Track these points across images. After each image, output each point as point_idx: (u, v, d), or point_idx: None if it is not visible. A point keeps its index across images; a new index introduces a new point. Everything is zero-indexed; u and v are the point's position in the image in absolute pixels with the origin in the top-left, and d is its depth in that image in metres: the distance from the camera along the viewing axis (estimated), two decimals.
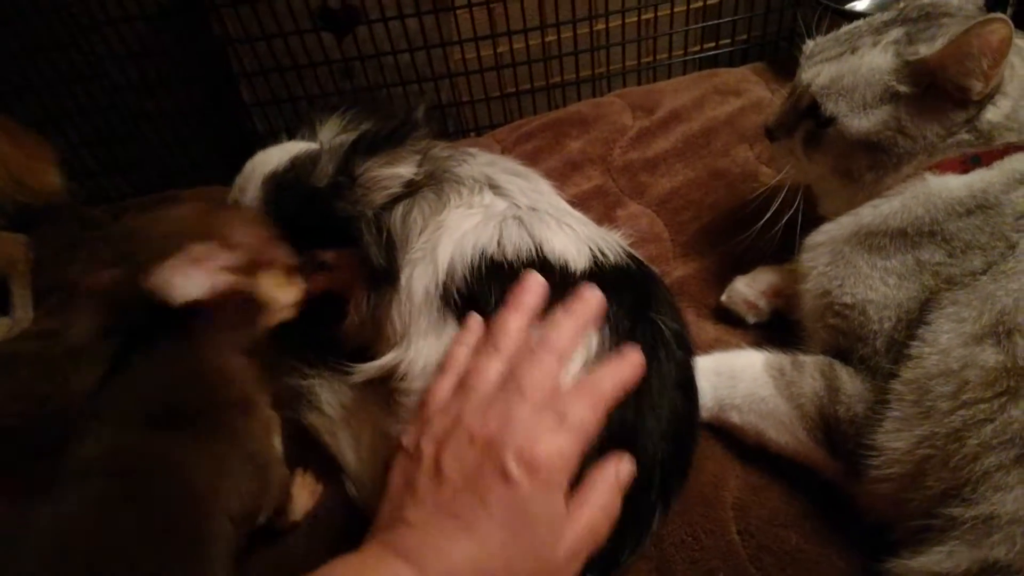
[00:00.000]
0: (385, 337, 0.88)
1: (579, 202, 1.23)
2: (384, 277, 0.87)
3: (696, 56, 1.58)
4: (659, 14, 1.52)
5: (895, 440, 0.74)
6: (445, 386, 0.69)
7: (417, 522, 0.60)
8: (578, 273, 0.79)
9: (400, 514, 0.62)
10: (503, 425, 0.62)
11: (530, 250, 0.80)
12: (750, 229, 1.02)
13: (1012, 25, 0.75)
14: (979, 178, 0.80)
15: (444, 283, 0.82)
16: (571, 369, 0.72)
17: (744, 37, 1.57)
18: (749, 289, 1.03)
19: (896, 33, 0.86)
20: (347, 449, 0.89)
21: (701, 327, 1.04)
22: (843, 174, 0.90)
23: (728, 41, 1.58)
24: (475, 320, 0.75)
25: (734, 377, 0.88)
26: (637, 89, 1.46)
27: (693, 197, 1.22)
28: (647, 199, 1.24)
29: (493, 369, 0.67)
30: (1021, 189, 0.77)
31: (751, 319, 1.03)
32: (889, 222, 0.83)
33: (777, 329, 0.99)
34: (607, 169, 1.30)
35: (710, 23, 1.56)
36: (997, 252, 0.75)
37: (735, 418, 0.87)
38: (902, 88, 0.83)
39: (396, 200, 0.88)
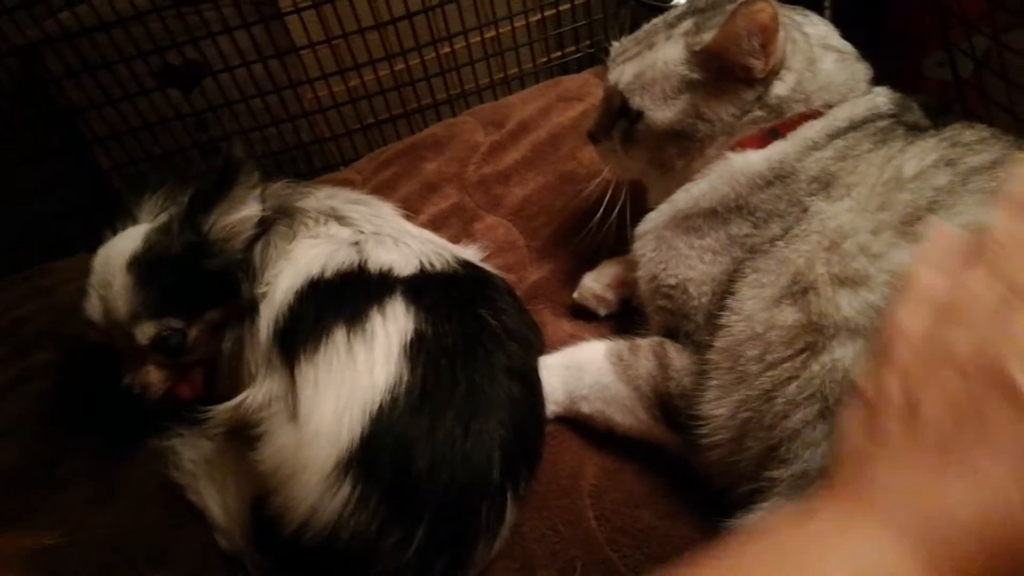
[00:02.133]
0: (244, 383, 0.89)
1: (438, 221, 1.27)
2: (252, 310, 0.88)
3: (546, 66, 1.63)
4: (501, 32, 1.56)
5: (717, 407, 0.78)
6: (914, 316, 0.55)
7: (892, 477, 0.49)
8: (401, 277, 0.83)
9: (864, 472, 0.50)
10: (1006, 344, 0.49)
11: (352, 265, 0.84)
12: (595, 227, 1.06)
13: (771, 2, 0.79)
14: (776, 150, 0.84)
15: (276, 318, 0.84)
16: (388, 350, 0.75)
17: (588, 43, 1.63)
18: (596, 284, 1.07)
19: (686, 24, 0.91)
20: (212, 504, 0.89)
21: (557, 326, 1.07)
22: (658, 164, 0.94)
23: (573, 48, 1.63)
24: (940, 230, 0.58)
25: (581, 369, 0.92)
26: (487, 106, 1.50)
27: (545, 203, 1.26)
28: (503, 210, 1.28)
29: (981, 282, 0.52)
30: (813, 155, 0.82)
31: (602, 312, 1.07)
32: (700, 203, 0.87)
33: (630, 317, 1.03)
34: (463, 186, 1.33)
35: (552, 34, 1.61)
36: (792, 217, 0.80)
37: (585, 408, 0.91)
38: (694, 76, 0.87)
39: (255, 239, 0.90)
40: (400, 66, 1.51)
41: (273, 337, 0.83)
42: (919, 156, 0.76)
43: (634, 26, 1.03)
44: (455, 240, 1.08)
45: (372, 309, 0.78)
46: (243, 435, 0.85)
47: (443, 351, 0.77)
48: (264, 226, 0.90)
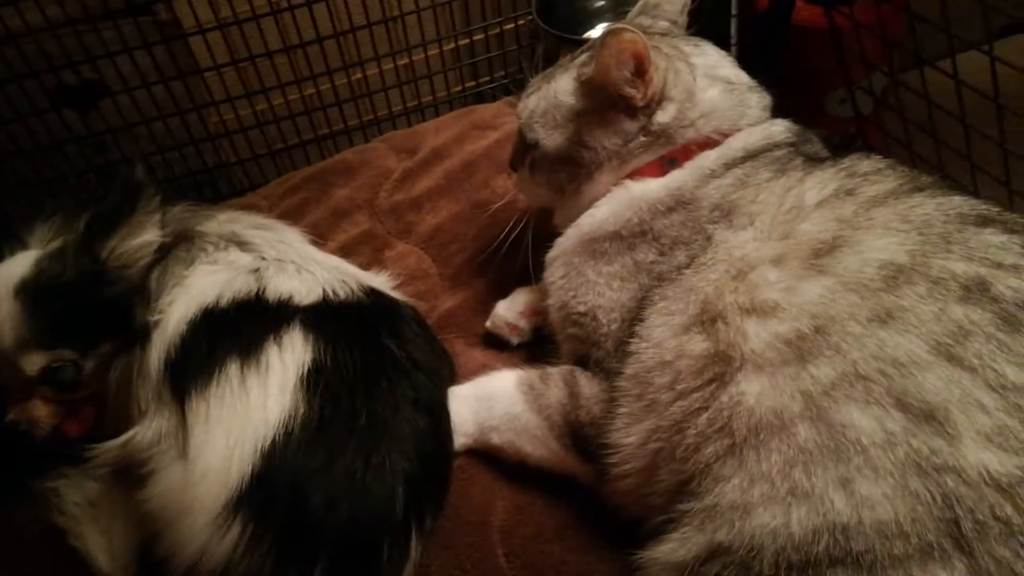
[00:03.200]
0: (132, 418, 0.84)
1: (348, 248, 1.24)
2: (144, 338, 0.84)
3: (460, 95, 1.63)
4: (414, 59, 1.55)
5: (626, 436, 0.77)
6: None
7: None
8: (302, 306, 0.80)
9: None
10: None
11: (249, 294, 0.81)
12: (508, 255, 1.05)
13: (639, 33, 0.81)
14: (674, 178, 0.86)
15: (167, 349, 0.79)
16: (283, 382, 0.72)
17: (502, 73, 1.63)
18: (509, 312, 1.06)
19: (584, 57, 0.92)
20: (97, 549, 0.84)
21: (470, 355, 1.05)
22: (556, 190, 0.96)
23: (488, 78, 1.63)
24: None
25: (491, 399, 0.90)
26: (400, 132, 1.48)
27: (458, 231, 1.24)
28: (414, 238, 1.26)
29: None
30: (712, 183, 0.83)
31: (515, 340, 1.06)
32: (604, 226, 0.87)
33: (543, 346, 1.02)
34: (374, 213, 1.30)
35: (467, 63, 1.61)
36: (697, 245, 0.80)
37: (495, 439, 0.89)
38: (580, 105, 0.89)
39: (152, 265, 0.86)
40: (310, 91, 1.48)
41: (164, 370, 0.79)
42: (819, 186, 0.77)
43: (549, 58, 1.04)
44: (365, 268, 1.05)
45: (268, 340, 0.75)
46: (130, 474, 0.81)
47: (343, 382, 0.74)
48: (162, 252, 0.86)
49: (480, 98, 1.64)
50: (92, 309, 0.83)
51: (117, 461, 0.82)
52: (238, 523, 0.67)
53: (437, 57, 1.57)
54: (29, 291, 0.82)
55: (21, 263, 0.85)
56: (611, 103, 0.87)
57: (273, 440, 0.70)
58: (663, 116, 0.87)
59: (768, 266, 0.72)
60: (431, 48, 1.54)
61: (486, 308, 1.09)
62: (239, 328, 0.78)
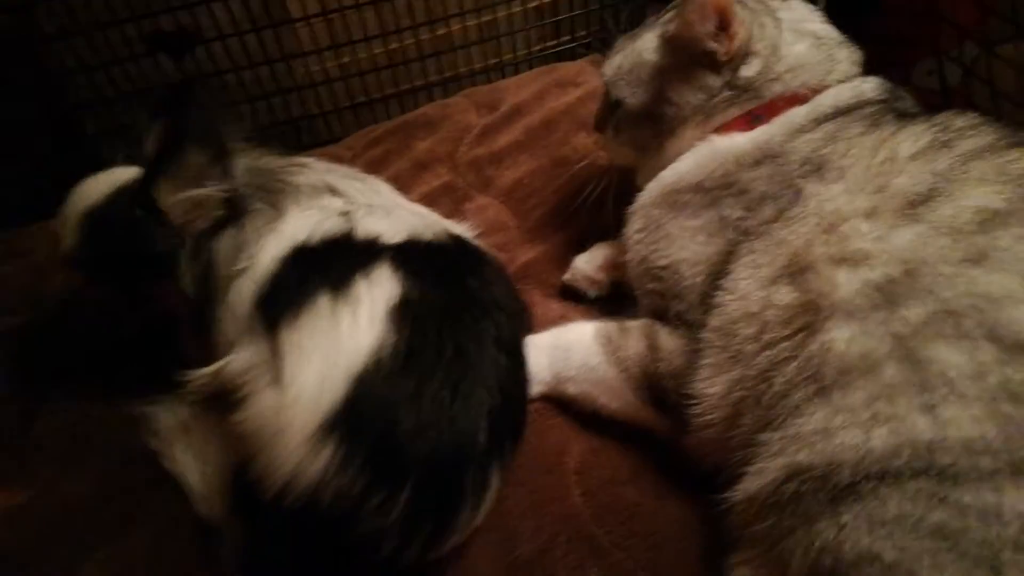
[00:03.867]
0: (219, 351, 0.88)
1: (428, 200, 1.25)
2: (201, 306, 0.86)
3: (540, 54, 1.63)
4: (498, 15, 1.55)
5: (711, 386, 0.78)
6: None
7: None
8: (390, 245, 0.82)
9: None
10: None
11: (339, 233, 0.82)
12: (588, 212, 1.06)
13: None
14: (761, 132, 0.85)
15: (259, 285, 0.82)
16: (373, 313, 0.74)
17: (584, 32, 1.63)
18: (588, 266, 1.07)
19: (670, 14, 0.92)
20: (189, 471, 0.87)
21: (547, 306, 1.07)
22: (640, 148, 0.97)
23: (568, 38, 1.63)
24: None
25: (568, 350, 0.91)
26: (481, 88, 1.50)
27: (536, 185, 1.26)
28: (493, 191, 1.27)
29: None
30: (801, 137, 0.83)
31: (593, 294, 1.07)
32: (687, 178, 0.88)
33: (620, 301, 1.03)
34: (454, 166, 1.32)
35: (549, 21, 1.61)
36: (786, 199, 0.80)
37: (571, 389, 0.90)
38: (663, 62, 0.90)
39: (225, 223, 0.85)
40: (394, 45, 1.50)
41: (256, 304, 0.81)
42: (913, 139, 0.76)
43: (635, 20, 1.04)
44: (446, 218, 1.07)
45: (357, 274, 0.77)
46: (223, 400, 0.83)
47: (430, 316, 0.76)
48: (236, 208, 0.85)
49: (561, 57, 1.63)
50: (137, 251, 0.85)
51: (209, 388, 0.84)
52: (331, 444, 0.69)
53: (519, 14, 1.58)
54: (92, 220, 0.85)
55: (102, 185, 0.88)
56: (695, 59, 0.88)
57: (364, 367, 0.71)
58: (748, 71, 0.87)
59: (860, 218, 0.72)
60: (514, 5, 1.55)
61: (564, 261, 1.11)
62: (330, 263, 0.80)
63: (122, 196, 0.86)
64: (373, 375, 0.71)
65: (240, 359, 0.80)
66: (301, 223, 0.86)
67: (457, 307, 0.78)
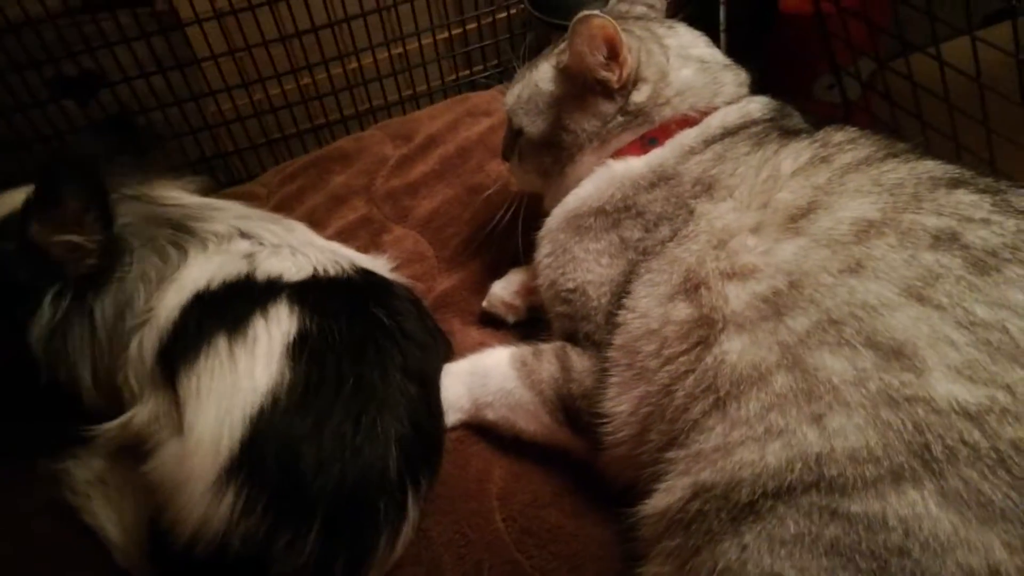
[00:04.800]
0: (127, 403, 0.86)
1: (345, 234, 1.26)
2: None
3: (454, 84, 1.65)
4: (409, 48, 1.57)
5: (619, 404, 0.80)
6: None
7: None
8: (289, 283, 0.82)
9: None
10: None
11: (239, 275, 0.82)
12: (502, 236, 1.08)
13: (608, 18, 0.84)
14: (655, 155, 0.89)
15: (160, 337, 0.82)
16: (270, 352, 0.75)
17: (495, 62, 1.65)
18: (505, 292, 1.08)
19: (563, 45, 0.94)
20: (108, 524, 0.86)
21: (467, 334, 1.08)
22: (542, 174, 0.99)
23: (481, 67, 1.66)
24: None
25: (485, 376, 0.92)
26: (395, 120, 1.50)
27: (453, 214, 1.27)
28: (411, 222, 1.28)
29: None
30: (692, 159, 0.86)
31: (511, 319, 1.08)
32: (589, 203, 0.90)
33: (539, 324, 1.04)
34: (371, 199, 1.33)
35: (460, 52, 1.63)
36: (680, 219, 0.83)
37: (490, 415, 0.91)
38: (559, 91, 0.93)
39: (106, 274, 0.83)
40: (307, 80, 1.50)
41: (158, 354, 0.81)
42: (794, 156, 0.80)
43: (541, 46, 1.07)
44: (363, 251, 1.07)
45: (255, 314, 0.78)
46: (135, 451, 0.83)
47: (329, 349, 0.77)
48: (116, 257, 0.84)
49: (474, 86, 1.66)
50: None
51: (119, 440, 0.84)
52: (232, 489, 0.70)
53: (431, 46, 1.60)
54: None
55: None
56: (588, 87, 0.90)
57: (261, 407, 0.72)
58: (639, 96, 0.90)
59: (747, 234, 0.75)
60: (425, 37, 1.57)
61: (482, 288, 1.12)
62: (227, 306, 0.80)
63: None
64: (270, 414, 0.72)
65: (145, 410, 0.80)
66: (203, 270, 0.85)
67: (360, 339, 0.79)
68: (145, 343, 0.83)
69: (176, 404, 0.76)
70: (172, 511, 0.73)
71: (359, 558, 0.73)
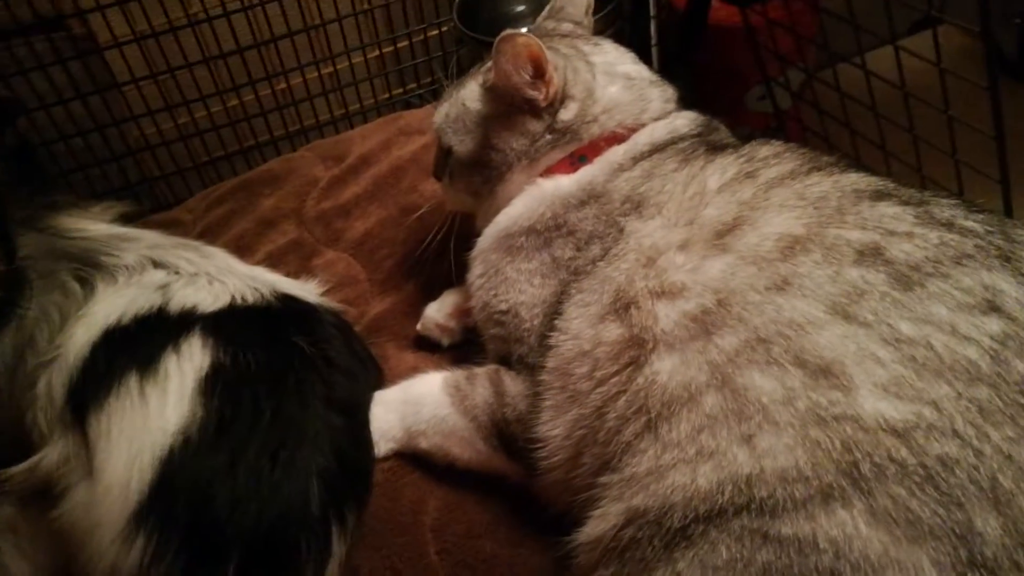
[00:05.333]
0: (35, 445, 0.82)
1: (275, 258, 1.22)
2: None
3: (388, 103, 1.63)
4: (340, 68, 1.54)
5: (552, 428, 0.78)
6: None
7: None
8: (203, 314, 0.79)
9: None
10: None
11: (151, 309, 0.79)
12: (436, 258, 1.06)
13: (532, 36, 0.83)
14: (585, 173, 0.87)
15: (69, 376, 0.78)
16: (182, 389, 0.72)
17: (429, 80, 1.64)
18: (439, 314, 1.06)
19: (490, 63, 0.93)
20: (19, 571, 0.81)
21: (401, 359, 1.05)
22: (473, 193, 0.97)
23: (415, 85, 1.64)
24: None
25: (418, 403, 0.90)
26: (326, 140, 1.47)
27: (387, 236, 1.24)
28: (343, 244, 1.25)
29: None
30: (621, 176, 0.85)
31: (446, 342, 1.06)
32: (520, 222, 0.89)
33: (474, 346, 1.02)
34: (301, 222, 1.29)
35: (393, 70, 1.61)
36: (611, 238, 0.82)
37: (423, 443, 0.89)
38: (486, 110, 0.92)
39: (6, 308, 0.80)
40: (234, 102, 1.47)
41: (66, 394, 0.77)
42: (720, 172, 0.79)
43: (473, 63, 1.05)
44: (294, 276, 1.04)
45: (167, 350, 0.75)
46: (45, 496, 0.78)
47: (245, 383, 0.74)
48: (16, 287, 0.81)
49: (408, 105, 1.64)
50: None
51: (28, 484, 0.80)
52: (142, 535, 0.67)
53: (362, 65, 1.57)
54: None
55: None
56: (515, 106, 0.89)
57: (171, 448, 0.69)
58: (566, 114, 0.89)
59: (675, 251, 0.74)
60: (355, 56, 1.54)
61: (416, 311, 1.09)
62: (138, 342, 0.77)
63: None
64: (181, 455, 0.69)
65: (55, 452, 0.76)
66: (113, 304, 0.82)
67: (279, 370, 0.76)
68: (54, 382, 0.79)
69: (86, 446, 0.73)
70: (82, 560, 0.70)
71: None
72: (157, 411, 0.71)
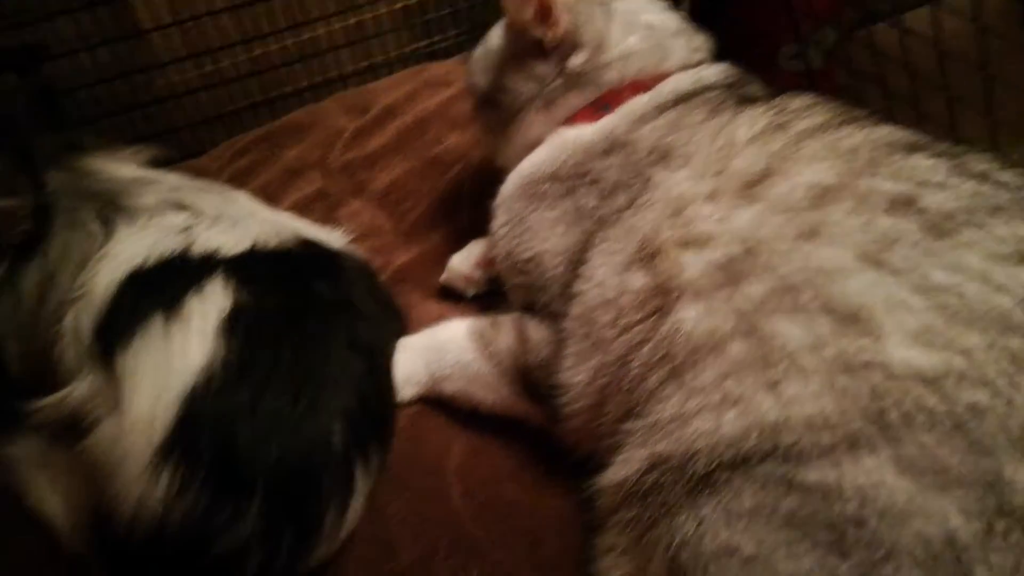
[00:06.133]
0: (63, 379, 0.83)
1: (300, 208, 1.23)
2: None
3: (412, 55, 1.62)
4: (365, 17, 1.53)
5: (575, 375, 0.78)
6: None
7: None
8: (226, 257, 0.80)
9: None
10: None
11: (174, 252, 0.80)
12: (461, 208, 1.06)
13: None
14: (606, 122, 0.87)
15: (96, 314, 0.79)
16: (204, 329, 0.73)
17: (454, 32, 1.62)
18: (463, 264, 1.06)
19: None
20: (53, 508, 0.83)
21: (426, 308, 1.05)
22: (491, 132, 0.99)
23: (440, 37, 1.62)
24: None
25: (442, 349, 0.90)
26: (351, 91, 1.47)
27: (411, 187, 1.24)
28: (368, 195, 1.25)
29: None
30: (646, 126, 0.84)
31: (471, 292, 1.06)
32: (542, 168, 0.89)
33: (498, 296, 1.02)
34: (326, 172, 1.30)
35: (419, 21, 1.60)
36: (636, 187, 0.81)
37: (448, 388, 0.90)
38: (504, 50, 0.93)
39: (35, 244, 0.82)
40: (258, 51, 1.46)
41: (94, 331, 0.78)
42: (749, 123, 0.78)
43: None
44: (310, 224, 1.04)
45: (190, 291, 0.76)
46: (74, 432, 0.79)
47: (266, 324, 0.75)
48: (44, 220, 0.82)
49: (434, 56, 1.63)
50: None
51: (57, 417, 0.81)
52: (168, 468, 0.68)
53: (388, 15, 1.56)
54: None
55: None
56: (526, 46, 0.90)
57: (195, 386, 0.71)
58: (576, 60, 0.89)
59: (703, 202, 0.74)
60: (380, 6, 1.53)
61: (441, 261, 1.09)
62: (163, 284, 0.78)
63: None
64: (204, 392, 0.70)
65: (83, 386, 0.77)
66: (137, 245, 0.83)
67: (300, 313, 0.77)
68: (81, 319, 0.80)
69: (113, 381, 0.74)
70: (110, 493, 0.71)
71: (306, 532, 0.72)
72: (181, 350, 0.72)
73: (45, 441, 0.86)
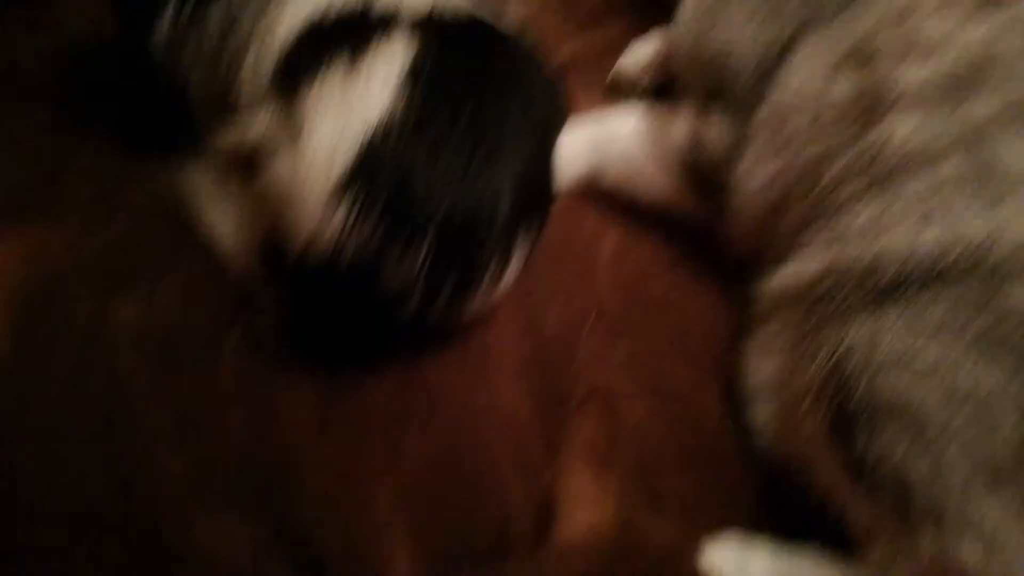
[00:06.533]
0: (241, 114, 0.86)
1: None
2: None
3: None
4: None
5: (752, 178, 0.75)
6: None
7: None
8: (407, 16, 0.78)
9: None
10: None
11: (355, 8, 0.79)
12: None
13: None
14: None
15: (280, 55, 0.80)
16: (386, 78, 0.73)
17: None
18: (635, 59, 1.02)
19: None
20: (222, 231, 0.89)
21: (589, 101, 1.01)
22: None
23: None
24: None
25: (611, 137, 0.88)
26: None
27: None
28: None
29: None
30: None
31: (639, 90, 1.02)
32: None
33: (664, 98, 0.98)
34: None
35: None
36: None
37: (611, 174, 0.88)
38: None
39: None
40: None
41: (276, 70, 0.80)
42: None
43: None
44: None
45: (373, 41, 0.75)
46: (249, 163, 0.83)
47: (447, 82, 0.74)
48: None
49: None
50: None
51: (236, 149, 0.85)
52: (346, 201, 0.70)
53: None
54: None
55: None
56: None
57: (376, 128, 0.71)
58: None
59: (933, 8, 0.66)
60: None
61: (611, 56, 1.04)
62: (347, 31, 0.78)
63: None
64: (383, 138, 0.71)
65: (261, 121, 0.80)
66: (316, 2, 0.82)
67: (479, 78, 0.76)
68: (263, 57, 0.82)
69: (293, 117, 0.76)
70: (286, 221, 0.74)
71: (467, 281, 0.74)
72: (362, 95, 0.73)
73: (222, 172, 0.90)
